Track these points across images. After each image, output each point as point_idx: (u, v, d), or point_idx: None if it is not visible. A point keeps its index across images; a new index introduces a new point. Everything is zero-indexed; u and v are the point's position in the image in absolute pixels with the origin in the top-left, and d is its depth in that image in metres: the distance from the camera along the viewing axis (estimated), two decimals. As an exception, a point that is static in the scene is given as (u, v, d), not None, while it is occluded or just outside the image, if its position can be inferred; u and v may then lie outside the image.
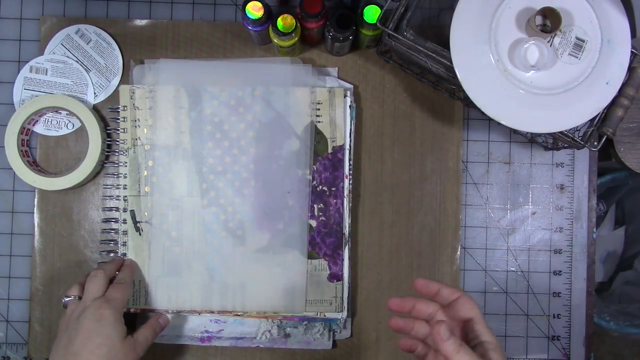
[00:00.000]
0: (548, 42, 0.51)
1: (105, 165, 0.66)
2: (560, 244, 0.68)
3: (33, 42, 0.66)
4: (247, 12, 0.57)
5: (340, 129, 0.64)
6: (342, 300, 0.64)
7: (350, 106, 0.64)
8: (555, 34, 0.51)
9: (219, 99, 0.64)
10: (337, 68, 0.66)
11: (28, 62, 0.65)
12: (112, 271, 0.61)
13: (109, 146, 0.65)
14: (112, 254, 0.65)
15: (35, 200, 0.66)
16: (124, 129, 0.64)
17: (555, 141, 0.64)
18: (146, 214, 0.64)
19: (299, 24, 0.60)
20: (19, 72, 0.65)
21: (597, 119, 0.55)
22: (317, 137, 0.64)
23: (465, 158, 0.68)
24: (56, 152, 0.66)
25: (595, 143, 0.59)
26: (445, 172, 0.67)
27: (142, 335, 0.59)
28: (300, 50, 0.66)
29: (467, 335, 0.47)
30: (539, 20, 0.51)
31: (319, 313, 0.64)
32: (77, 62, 0.66)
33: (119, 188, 0.64)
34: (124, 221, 0.64)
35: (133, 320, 0.64)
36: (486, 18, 0.51)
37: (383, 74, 0.67)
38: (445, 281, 0.66)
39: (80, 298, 0.58)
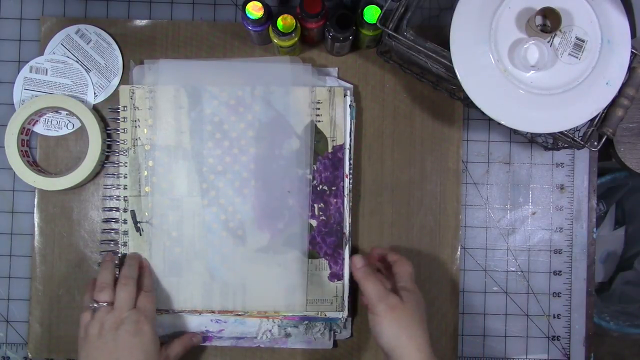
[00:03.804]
0: (548, 42, 0.51)
1: (105, 165, 0.66)
2: (560, 244, 0.68)
3: (33, 42, 0.66)
4: (247, 12, 0.57)
5: (340, 129, 0.64)
6: (343, 299, 0.64)
7: (350, 105, 0.64)
8: (555, 34, 0.51)
9: (219, 98, 0.64)
10: (337, 68, 0.66)
11: (28, 62, 0.65)
12: (137, 274, 0.61)
13: (109, 146, 0.65)
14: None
15: (35, 200, 0.66)
16: (124, 129, 0.64)
17: (555, 141, 0.64)
18: (146, 214, 0.64)
19: (299, 24, 0.60)
20: (19, 72, 0.65)
21: (597, 119, 0.55)
22: (317, 136, 0.64)
23: (465, 158, 0.68)
24: (56, 152, 0.66)
25: (595, 143, 0.59)
26: (445, 172, 0.67)
27: (174, 350, 0.61)
28: (300, 50, 0.66)
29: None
30: (539, 20, 0.51)
31: (319, 312, 0.64)
32: (77, 62, 0.66)
33: (119, 188, 0.64)
34: (124, 221, 0.64)
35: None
36: (486, 18, 0.51)
37: (383, 74, 0.67)
38: (445, 281, 0.66)
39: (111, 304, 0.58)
